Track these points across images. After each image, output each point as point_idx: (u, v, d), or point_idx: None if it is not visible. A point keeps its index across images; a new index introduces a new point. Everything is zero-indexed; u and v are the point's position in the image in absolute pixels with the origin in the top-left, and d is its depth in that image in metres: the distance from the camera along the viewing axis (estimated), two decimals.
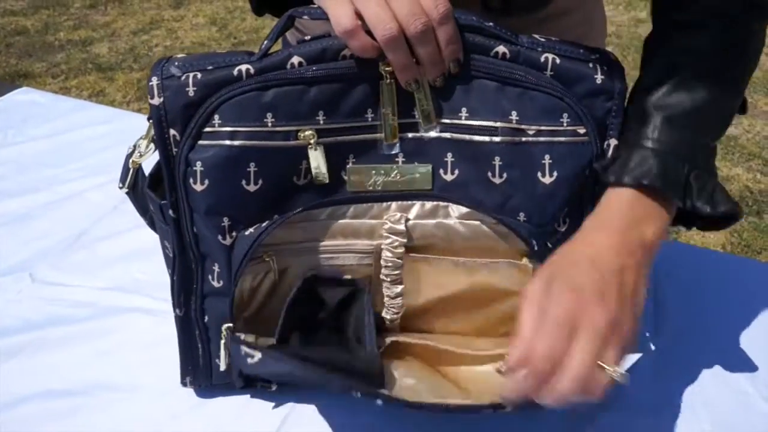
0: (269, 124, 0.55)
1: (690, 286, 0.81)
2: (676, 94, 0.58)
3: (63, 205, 0.95)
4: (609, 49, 0.63)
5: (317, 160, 0.56)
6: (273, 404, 0.66)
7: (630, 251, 0.54)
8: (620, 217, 0.56)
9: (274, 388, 0.66)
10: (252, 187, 0.56)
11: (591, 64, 0.57)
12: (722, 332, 0.75)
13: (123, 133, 1.10)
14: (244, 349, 0.54)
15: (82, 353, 0.73)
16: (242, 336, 0.59)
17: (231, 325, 0.60)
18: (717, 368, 0.71)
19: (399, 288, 0.60)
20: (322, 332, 0.61)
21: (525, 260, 0.60)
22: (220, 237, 0.58)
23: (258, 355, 0.53)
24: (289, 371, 0.54)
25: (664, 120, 0.57)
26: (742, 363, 0.71)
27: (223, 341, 0.61)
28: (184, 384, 0.67)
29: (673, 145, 0.57)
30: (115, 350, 0.73)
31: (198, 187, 0.56)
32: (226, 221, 0.57)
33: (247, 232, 0.57)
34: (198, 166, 0.55)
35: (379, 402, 0.52)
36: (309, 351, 0.56)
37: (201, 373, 0.66)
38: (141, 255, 0.85)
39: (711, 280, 0.82)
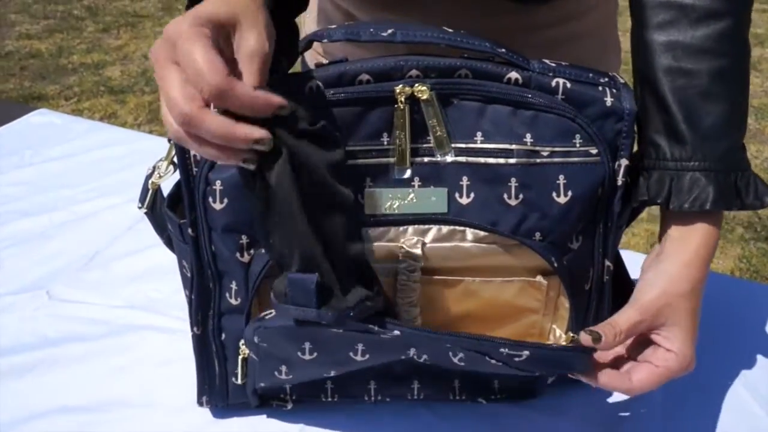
0: None
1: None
2: (703, 103, 0.58)
3: (79, 224, 0.96)
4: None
5: None
6: (288, 422, 0.67)
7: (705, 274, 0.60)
8: (698, 246, 0.59)
9: (289, 406, 0.67)
10: None
11: (600, 88, 0.58)
12: (732, 356, 0.75)
13: (137, 154, 1.12)
14: (263, 313, 0.57)
15: (97, 370, 0.73)
16: None
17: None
18: (729, 392, 0.71)
19: (415, 310, 0.61)
20: None
21: (539, 277, 0.61)
22: (238, 254, 0.58)
23: (273, 312, 0.55)
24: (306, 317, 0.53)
25: (703, 136, 0.58)
26: (754, 387, 0.72)
27: (240, 357, 0.62)
28: (200, 403, 0.67)
29: (719, 159, 0.58)
30: (130, 367, 0.74)
31: (217, 206, 0.57)
32: (244, 239, 0.58)
33: (264, 250, 0.58)
34: (217, 185, 0.56)
35: (397, 332, 0.53)
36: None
37: (217, 392, 0.66)
38: (155, 274, 0.86)
39: (720, 305, 0.83)
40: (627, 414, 0.68)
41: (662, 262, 0.59)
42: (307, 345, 0.58)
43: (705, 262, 0.59)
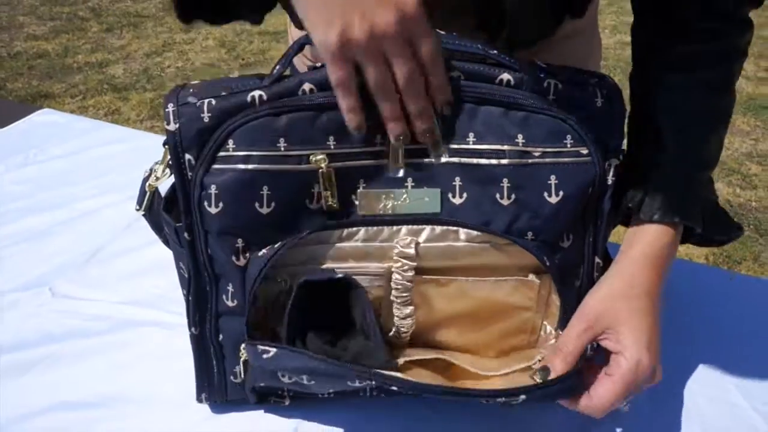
0: (282, 149, 0.53)
1: (676, 299, 0.79)
2: (684, 134, 0.59)
3: (81, 222, 0.93)
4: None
5: (328, 184, 0.54)
6: (285, 417, 0.65)
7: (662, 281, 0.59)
8: (661, 255, 0.58)
9: (287, 402, 0.64)
10: (265, 210, 0.54)
11: (591, 89, 0.56)
12: (710, 344, 0.73)
13: (137, 152, 1.09)
14: (260, 347, 0.54)
15: (98, 366, 0.71)
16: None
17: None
18: (707, 380, 0.69)
19: (409, 309, 0.58)
20: (325, 334, 0.58)
21: (531, 276, 0.58)
22: (233, 258, 0.56)
23: (273, 351, 0.53)
24: (303, 365, 0.52)
25: (677, 159, 0.59)
26: (731, 374, 0.69)
27: (242, 359, 0.59)
28: (199, 400, 0.65)
29: (688, 183, 0.59)
30: (131, 363, 0.71)
31: (212, 210, 0.54)
32: (239, 242, 0.55)
33: (260, 253, 0.55)
34: (212, 189, 0.53)
35: (394, 388, 0.51)
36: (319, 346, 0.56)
37: (216, 389, 0.64)
38: (155, 270, 0.83)
39: (695, 293, 0.80)
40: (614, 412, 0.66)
41: (609, 269, 0.59)
42: (304, 376, 0.55)
43: (652, 263, 0.57)
